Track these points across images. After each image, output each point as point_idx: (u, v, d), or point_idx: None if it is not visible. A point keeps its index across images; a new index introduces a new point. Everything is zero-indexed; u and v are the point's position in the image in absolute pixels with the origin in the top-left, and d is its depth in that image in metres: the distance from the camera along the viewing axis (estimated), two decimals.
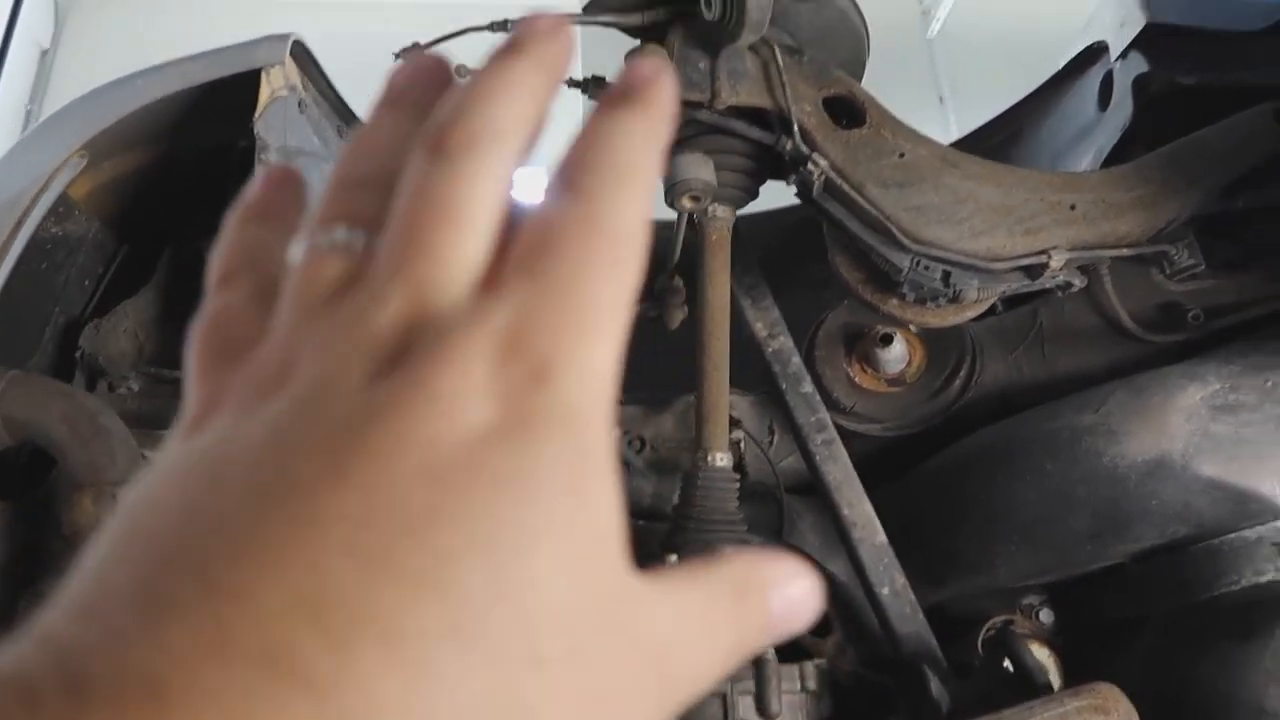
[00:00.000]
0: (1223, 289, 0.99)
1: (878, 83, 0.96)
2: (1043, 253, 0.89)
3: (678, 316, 1.06)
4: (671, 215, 0.96)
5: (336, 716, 0.17)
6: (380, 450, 0.19)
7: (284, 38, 1.01)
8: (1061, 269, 0.90)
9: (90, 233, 1.08)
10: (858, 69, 0.97)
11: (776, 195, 1.02)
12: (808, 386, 0.97)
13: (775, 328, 1.00)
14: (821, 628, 0.96)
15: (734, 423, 1.00)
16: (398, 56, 0.91)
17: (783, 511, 1.01)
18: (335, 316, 0.21)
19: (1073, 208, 0.91)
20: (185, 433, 0.22)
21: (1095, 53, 1.17)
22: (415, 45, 0.90)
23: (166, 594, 0.17)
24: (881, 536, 0.90)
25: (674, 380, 1.00)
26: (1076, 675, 0.91)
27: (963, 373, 1.03)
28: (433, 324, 0.21)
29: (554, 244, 0.22)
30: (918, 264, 0.89)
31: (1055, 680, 0.91)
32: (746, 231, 0.99)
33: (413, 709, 0.17)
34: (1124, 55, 1.09)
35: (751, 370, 1.00)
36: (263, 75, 0.97)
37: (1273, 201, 0.97)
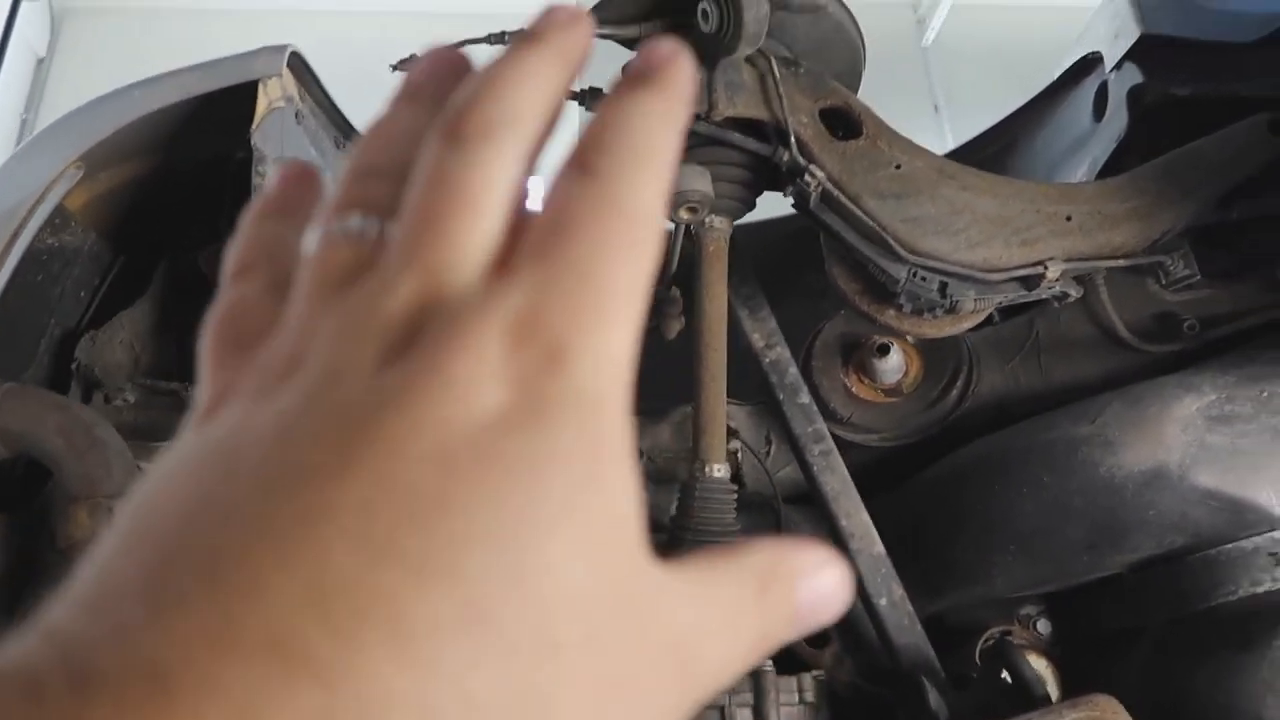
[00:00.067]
0: (1218, 299, 0.99)
1: (873, 91, 0.96)
2: (1039, 263, 0.89)
3: (675, 327, 1.06)
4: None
5: (344, 706, 0.16)
6: (390, 436, 0.18)
7: (281, 49, 1.01)
8: (1058, 280, 0.90)
9: (86, 244, 1.07)
10: (854, 80, 0.97)
11: (773, 205, 1.02)
12: (805, 397, 0.98)
13: (772, 338, 1.00)
14: (819, 639, 0.96)
15: (731, 433, 1.00)
16: (395, 68, 0.91)
17: (780, 522, 1.01)
18: (347, 303, 0.21)
19: (1069, 219, 0.91)
20: (197, 423, 0.22)
21: (1090, 63, 1.17)
22: (413, 57, 0.91)
23: (173, 587, 0.17)
24: (879, 547, 0.90)
25: (671, 391, 1.00)
26: (1074, 686, 0.91)
27: (959, 383, 1.03)
28: (445, 308, 0.20)
29: (570, 227, 0.21)
30: (914, 275, 0.89)
31: (1053, 691, 0.91)
32: (743, 241, 0.99)
33: (423, 697, 0.17)
34: (1119, 66, 1.10)
35: (749, 381, 1.00)
36: (260, 87, 0.97)
37: (1267, 212, 0.97)
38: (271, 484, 0.18)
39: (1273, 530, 0.84)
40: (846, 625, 0.95)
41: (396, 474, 0.18)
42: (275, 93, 1.00)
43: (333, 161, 1.13)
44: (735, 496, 0.87)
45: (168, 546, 0.18)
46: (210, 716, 0.16)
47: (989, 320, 1.01)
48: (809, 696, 0.83)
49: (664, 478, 1.03)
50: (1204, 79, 1.04)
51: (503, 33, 0.88)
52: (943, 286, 0.90)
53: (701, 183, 0.88)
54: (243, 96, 0.97)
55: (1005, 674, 0.87)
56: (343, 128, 1.17)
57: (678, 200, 0.88)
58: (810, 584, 0.24)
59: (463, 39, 0.90)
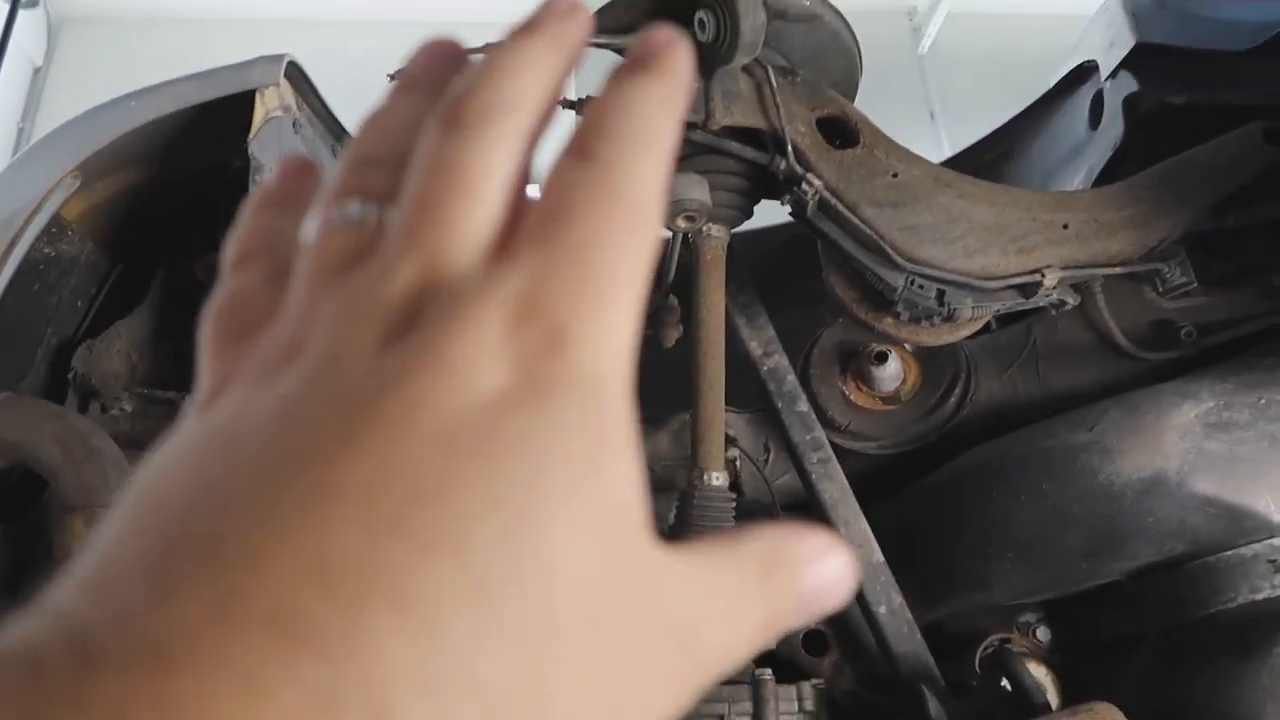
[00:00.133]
0: (1215, 306, 0.99)
1: (869, 99, 0.97)
2: (1036, 271, 0.89)
3: (673, 335, 1.06)
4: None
5: (347, 679, 0.16)
6: (391, 417, 0.18)
7: (278, 59, 1.01)
8: (1055, 287, 0.91)
9: (83, 253, 1.07)
10: (851, 89, 0.97)
11: (770, 213, 1.02)
12: (803, 405, 0.98)
13: (770, 346, 1.00)
14: (818, 647, 0.96)
15: (730, 441, 1.00)
16: (392, 78, 0.91)
17: None
18: (346, 288, 0.21)
19: (1065, 226, 0.91)
20: (198, 410, 0.22)
21: (1085, 72, 1.18)
22: None
23: (175, 568, 0.17)
24: (878, 555, 0.90)
25: (669, 399, 1.00)
26: (1074, 694, 0.91)
27: (957, 390, 1.03)
28: (445, 291, 0.20)
29: (569, 212, 0.21)
30: (912, 283, 0.89)
31: (1053, 699, 0.90)
32: (741, 249, 0.99)
33: (426, 671, 0.17)
34: (1114, 75, 1.10)
35: (747, 388, 1.00)
36: (257, 96, 0.97)
37: (1263, 219, 0.97)
38: (272, 468, 0.18)
39: (1271, 537, 0.84)
40: (846, 633, 0.95)
41: (398, 454, 0.18)
42: (273, 102, 1.00)
43: (331, 170, 1.12)
44: (734, 504, 0.86)
45: (169, 530, 0.18)
46: (213, 691, 0.15)
47: (987, 328, 1.01)
48: (808, 705, 0.83)
49: (662, 486, 1.03)
50: (1199, 87, 1.05)
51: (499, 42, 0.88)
52: (940, 294, 0.90)
53: (699, 191, 0.88)
54: (240, 106, 0.97)
55: (1005, 682, 0.86)
56: (340, 137, 1.17)
57: (675, 209, 0.88)
58: (814, 570, 0.24)
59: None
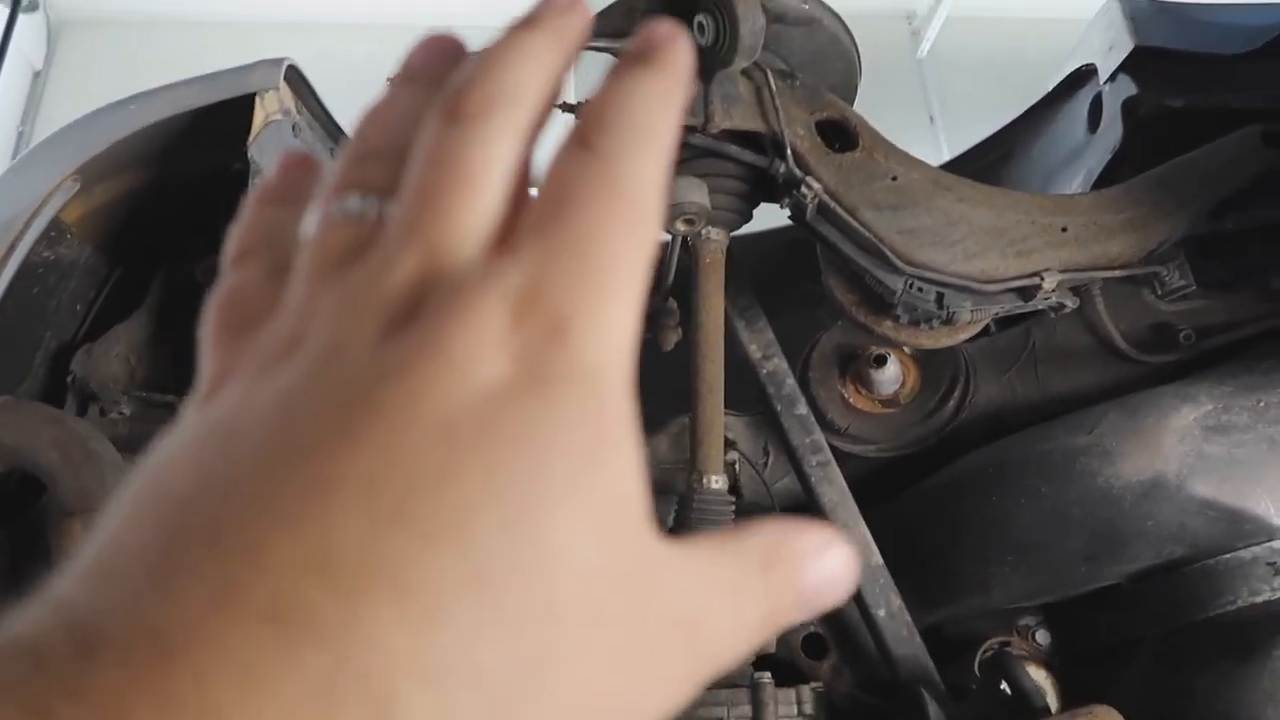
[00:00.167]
0: (1213, 309, 0.99)
1: (868, 103, 0.97)
2: (1035, 274, 0.89)
3: (672, 338, 1.06)
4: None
5: (347, 668, 0.16)
6: (392, 407, 0.18)
7: (278, 62, 1.01)
8: (1054, 290, 0.91)
9: (82, 257, 1.07)
10: (849, 93, 0.97)
11: (770, 217, 1.02)
12: (802, 408, 0.98)
13: (769, 349, 1.00)
14: (817, 650, 0.96)
15: (729, 444, 1.00)
16: (391, 82, 0.91)
17: None
18: (347, 281, 0.21)
19: (1064, 230, 0.91)
20: (199, 404, 0.22)
21: (1084, 75, 1.18)
22: None
23: (176, 557, 0.17)
24: (877, 558, 0.90)
25: (668, 402, 1.00)
26: (1074, 697, 0.91)
27: (956, 394, 1.03)
28: (446, 283, 0.20)
29: (570, 204, 0.21)
30: (911, 286, 0.89)
31: (1053, 702, 0.90)
32: (740, 253, 0.99)
33: (427, 660, 0.17)
34: (1113, 78, 1.10)
35: (746, 392, 1.00)
36: (257, 100, 0.97)
37: (1261, 222, 0.97)
38: (273, 460, 0.18)
39: (1271, 540, 0.84)
40: (845, 636, 0.95)
41: (399, 446, 0.18)
42: (272, 106, 1.00)
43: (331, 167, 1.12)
44: (733, 508, 0.86)
45: (170, 521, 0.18)
46: (213, 679, 0.15)
47: (986, 331, 1.01)
48: (808, 708, 0.83)
49: (662, 489, 1.03)
50: (1197, 90, 1.05)
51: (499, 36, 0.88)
52: (939, 297, 0.90)
53: (698, 195, 0.88)
54: (239, 109, 0.97)
55: (1004, 685, 0.86)
56: (340, 140, 1.17)
57: (675, 212, 0.88)
58: (815, 565, 0.24)
59: None
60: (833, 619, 0.95)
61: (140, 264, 1.13)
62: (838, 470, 0.95)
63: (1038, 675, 0.92)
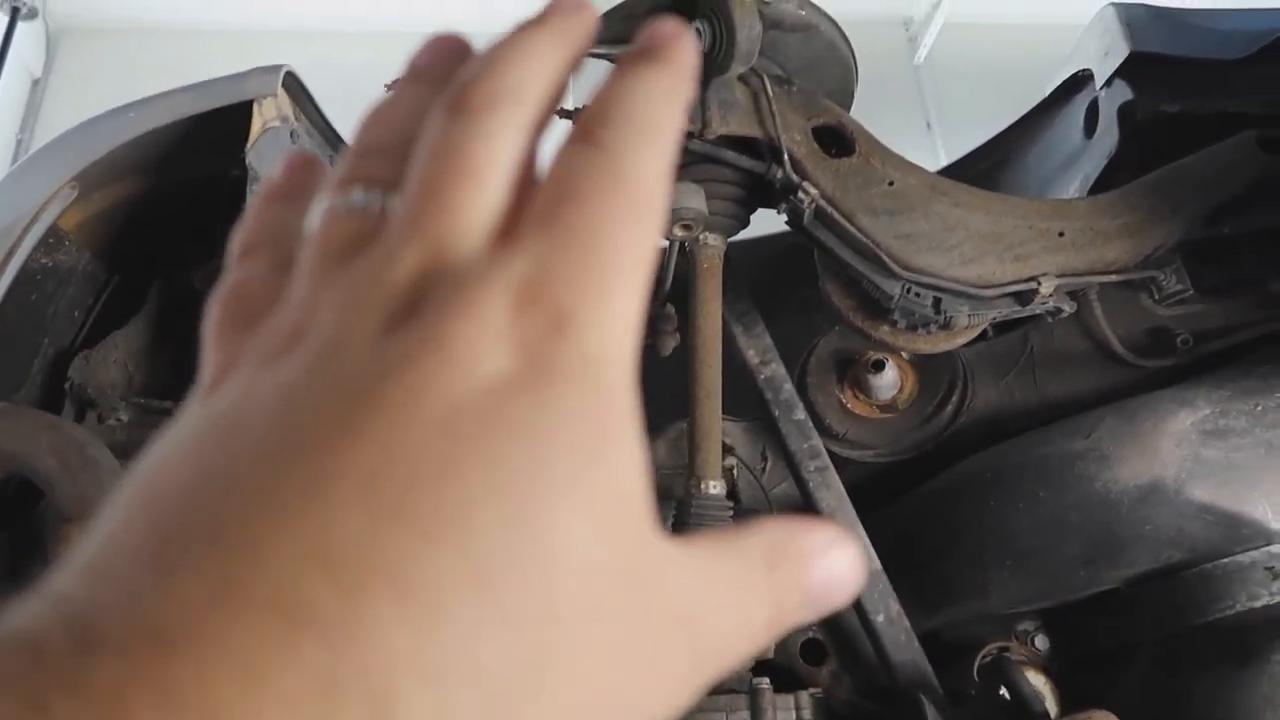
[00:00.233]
0: (1211, 314, 1.00)
1: (865, 109, 0.97)
2: (1032, 279, 0.90)
3: (670, 344, 1.06)
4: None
5: (348, 663, 0.16)
6: (393, 401, 0.18)
7: (276, 69, 1.01)
8: (1051, 295, 0.91)
9: (80, 264, 1.07)
10: (846, 98, 0.98)
11: (767, 222, 1.02)
12: (800, 413, 0.98)
13: (767, 354, 1.00)
14: (816, 656, 0.96)
15: (727, 449, 1.00)
16: (389, 88, 0.92)
17: None
18: (349, 274, 0.21)
19: (1061, 234, 0.91)
20: (201, 397, 0.22)
21: (1080, 81, 1.18)
22: None
23: (176, 552, 0.17)
24: (875, 563, 0.90)
25: (666, 407, 1.00)
26: (1072, 702, 0.91)
27: (954, 398, 1.03)
28: (448, 276, 0.20)
29: (574, 197, 0.21)
30: (908, 291, 0.89)
31: (1052, 707, 0.90)
32: (737, 258, 0.99)
33: (427, 657, 0.17)
34: (1109, 83, 1.10)
35: (744, 397, 1.00)
36: (255, 106, 0.98)
37: (1258, 227, 0.98)
38: (275, 454, 0.18)
39: (1269, 544, 0.84)
40: (844, 642, 0.95)
41: (400, 439, 0.18)
42: (270, 112, 1.00)
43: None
44: (731, 513, 0.86)
45: (170, 516, 0.18)
46: (213, 675, 0.15)
47: (983, 336, 1.01)
48: (806, 714, 0.83)
49: (660, 494, 1.03)
50: (1193, 96, 1.05)
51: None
52: (936, 302, 0.90)
53: (696, 200, 0.88)
54: (237, 116, 0.98)
55: (1003, 690, 0.86)
56: (338, 147, 1.17)
57: (672, 218, 0.88)
58: (822, 563, 0.23)
59: None
60: (831, 624, 0.95)
61: (138, 270, 1.13)
62: (836, 475, 0.95)
63: (1036, 680, 0.92)
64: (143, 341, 1.08)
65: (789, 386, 0.99)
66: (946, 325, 0.92)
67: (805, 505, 0.96)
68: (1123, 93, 1.08)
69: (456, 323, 0.19)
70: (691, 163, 0.90)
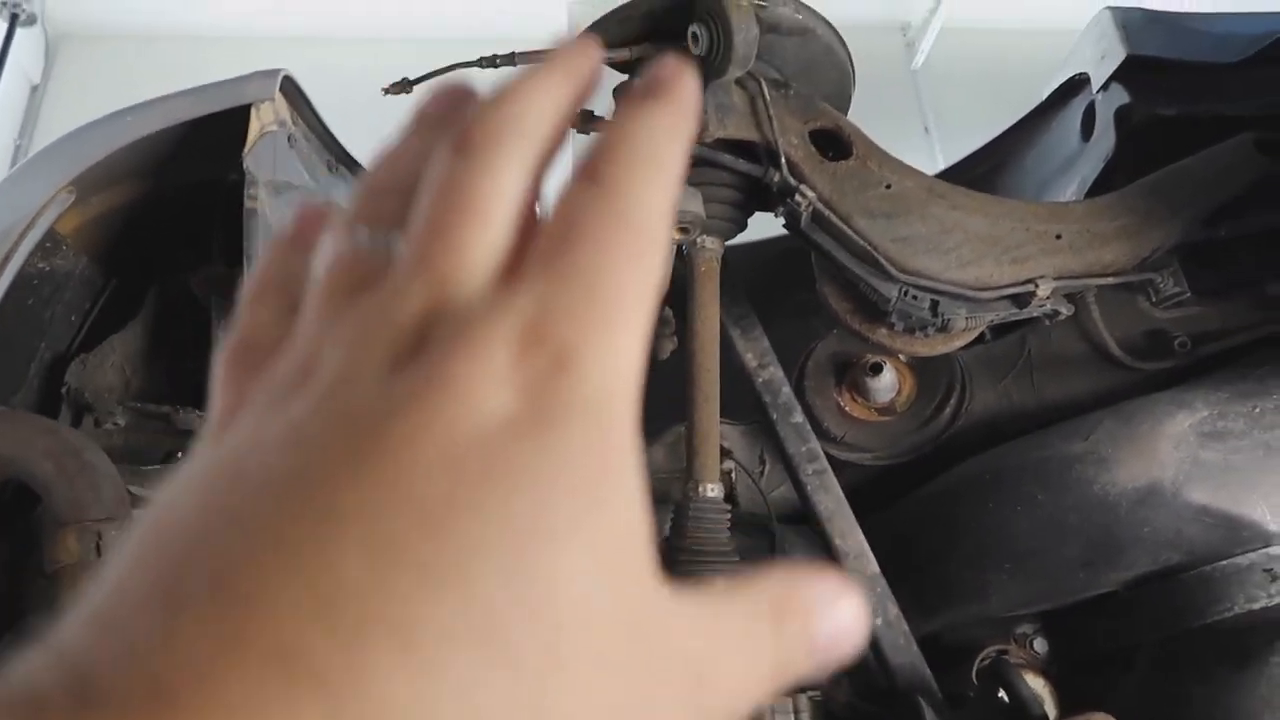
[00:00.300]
0: (1208, 316, 1.00)
1: (864, 114, 0.97)
2: (1030, 281, 0.90)
3: (667, 347, 1.06)
4: None
5: (346, 714, 0.16)
6: (398, 441, 0.18)
7: (274, 73, 1.02)
8: (1049, 297, 0.91)
9: (78, 268, 1.07)
10: (843, 102, 0.98)
11: (764, 226, 1.02)
12: (798, 416, 0.98)
13: (765, 358, 1.00)
14: None
15: (725, 453, 1.00)
16: (387, 91, 0.92)
17: (775, 542, 1.00)
18: (356, 312, 0.21)
19: (1058, 237, 0.92)
20: (211, 437, 0.22)
21: (1077, 84, 1.19)
22: (404, 80, 0.91)
23: (180, 599, 0.17)
24: (874, 566, 0.90)
25: (664, 411, 1.00)
26: (1071, 704, 0.91)
27: (952, 401, 1.03)
28: (453, 314, 0.20)
29: (576, 234, 0.21)
30: (906, 294, 0.89)
31: (1051, 710, 0.90)
32: (735, 262, 0.99)
33: (428, 708, 0.17)
34: (1105, 87, 1.11)
35: (742, 400, 1.00)
36: (252, 110, 0.98)
37: (1255, 229, 0.98)
38: (281, 494, 0.18)
39: (1267, 546, 0.84)
40: None
41: (405, 480, 0.18)
42: (268, 117, 1.00)
43: (326, 185, 1.13)
44: (729, 517, 0.86)
45: (176, 559, 0.18)
46: None
47: (981, 338, 1.01)
48: (805, 717, 0.82)
49: (658, 498, 1.03)
50: (1189, 99, 1.05)
51: (494, 56, 0.88)
52: (934, 305, 0.90)
53: (693, 204, 0.88)
54: (235, 120, 0.98)
55: (1002, 693, 0.86)
56: (336, 152, 1.17)
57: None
58: (828, 616, 0.23)
59: (455, 63, 0.91)
60: None
61: (136, 275, 1.13)
62: (834, 478, 0.95)
63: (1035, 683, 0.92)
64: (140, 346, 1.08)
65: (787, 390, 0.99)
66: (944, 328, 0.92)
67: (803, 509, 0.96)
68: (1119, 96, 1.08)
69: (461, 362, 0.19)
70: (688, 166, 0.90)
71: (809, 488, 0.94)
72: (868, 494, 1.00)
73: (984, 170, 1.29)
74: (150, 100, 1.02)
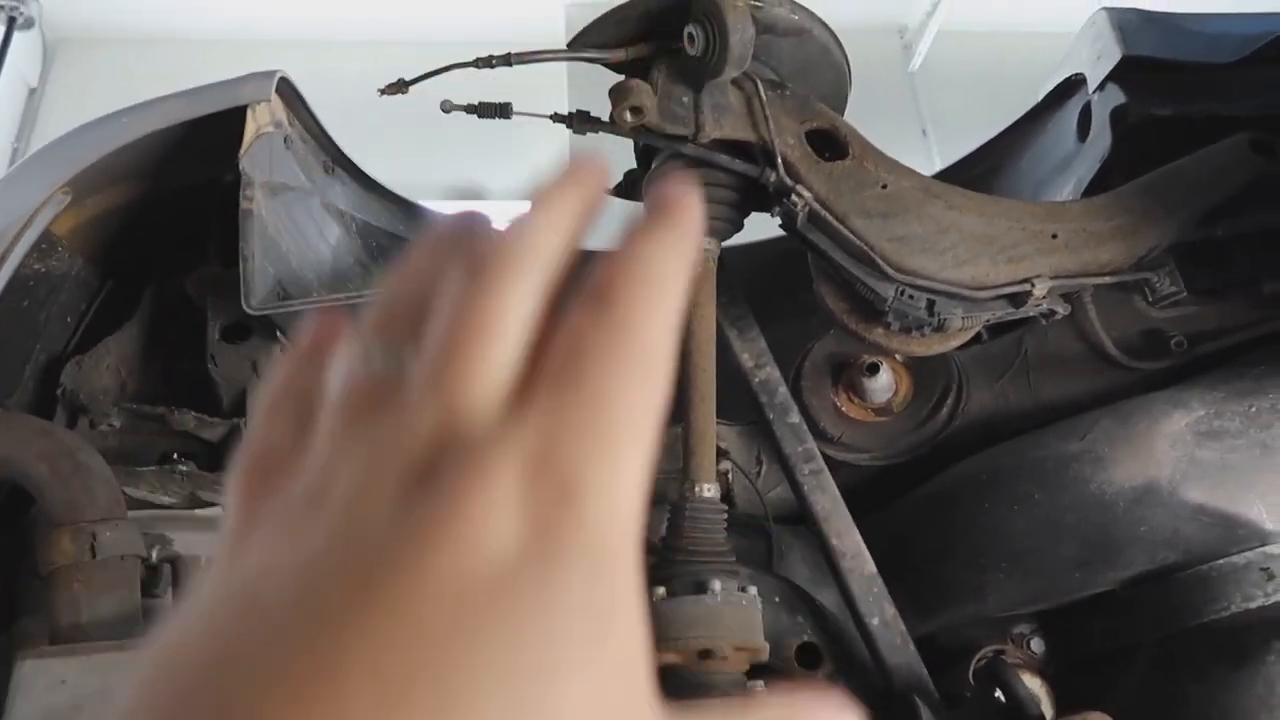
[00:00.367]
0: (1204, 315, 1.00)
1: (861, 116, 0.97)
2: (1026, 281, 0.90)
3: None
4: None
5: None
6: (408, 574, 0.19)
7: (270, 75, 1.01)
8: (1045, 297, 0.91)
9: (73, 269, 1.07)
10: (840, 102, 0.98)
11: (761, 226, 1.02)
12: (795, 417, 0.97)
13: (762, 358, 1.00)
14: (812, 659, 0.95)
15: (721, 454, 0.99)
16: (383, 93, 0.92)
17: (772, 543, 1.00)
18: (369, 434, 0.22)
19: (1054, 236, 0.92)
20: (227, 555, 0.22)
21: (1073, 85, 1.19)
22: (400, 81, 0.91)
23: None
24: (871, 567, 0.90)
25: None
26: (1068, 704, 0.91)
27: (949, 401, 1.03)
28: (463, 440, 0.21)
29: (584, 356, 0.22)
30: (902, 293, 0.89)
31: (1047, 710, 0.90)
32: (731, 262, 0.99)
33: None
34: (1101, 87, 1.11)
35: (739, 401, 1.00)
36: (248, 112, 0.97)
37: (1250, 229, 0.98)
38: (289, 631, 0.18)
39: (1264, 545, 0.84)
40: (839, 646, 0.95)
41: (413, 616, 0.18)
42: (264, 118, 1.00)
43: (322, 186, 1.13)
44: (726, 517, 0.86)
45: (183, 696, 0.18)
46: None
47: (977, 338, 1.01)
48: None
49: (654, 498, 1.02)
50: (1185, 99, 1.05)
51: (490, 57, 0.88)
52: (930, 304, 0.90)
53: None
54: (231, 122, 0.97)
55: (999, 693, 0.86)
56: (332, 153, 1.17)
57: None
58: None
59: (451, 64, 0.91)
60: (827, 628, 0.95)
61: (131, 276, 1.13)
62: (831, 479, 0.95)
63: (1032, 683, 0.92)
64: (135, 347, 1.08)
65: (784, 390, 0.99)
66: (940, 328, 0.92)
67: (800, 509, 0.96)
68: (1115, 96, 1.08)
69: (471, 492, 0.20)
70: (685, 167, 0.90)
71: (806, 488, 0.94)
72: (864, 494, 1.00)
73: (981, 171, 1.29)
74: (146, 102, 1.02)
